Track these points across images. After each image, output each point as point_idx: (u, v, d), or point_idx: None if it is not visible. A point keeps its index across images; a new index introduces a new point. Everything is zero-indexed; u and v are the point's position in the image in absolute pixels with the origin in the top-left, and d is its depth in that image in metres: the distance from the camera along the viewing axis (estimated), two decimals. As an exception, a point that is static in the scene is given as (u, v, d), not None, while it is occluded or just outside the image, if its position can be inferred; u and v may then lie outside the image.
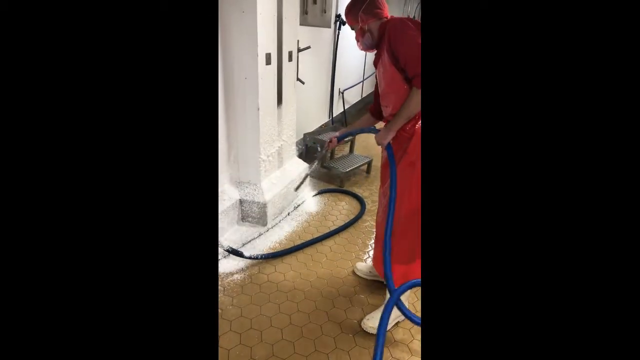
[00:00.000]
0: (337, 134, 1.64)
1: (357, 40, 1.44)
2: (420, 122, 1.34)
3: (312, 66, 3.20)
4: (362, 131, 1.59)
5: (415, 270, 1.43)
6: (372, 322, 1.47)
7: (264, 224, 2.19)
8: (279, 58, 2.13)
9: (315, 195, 2.64)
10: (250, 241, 2.05)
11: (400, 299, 1.25)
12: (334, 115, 3.88)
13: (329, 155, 3.11)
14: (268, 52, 1.97)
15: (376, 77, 1.47)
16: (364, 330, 1.46)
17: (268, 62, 1.99)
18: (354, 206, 2.53)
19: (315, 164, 1.83)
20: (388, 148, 1.40)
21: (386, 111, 1.46)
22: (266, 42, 1.93)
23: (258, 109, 1.99)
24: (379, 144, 1.43)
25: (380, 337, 1.09)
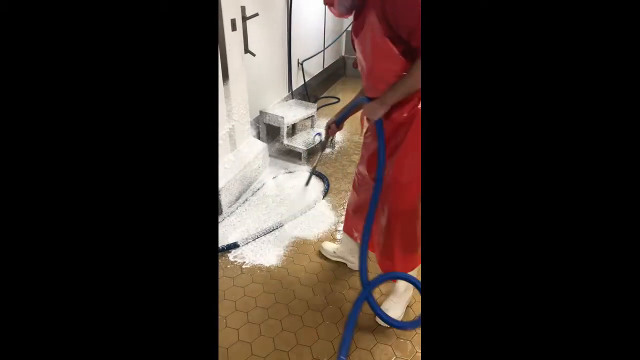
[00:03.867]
0: (333, 118, 1.40)
1: (329, 4, 1.10)
2: (420, 104, 1.10)
3: (265, 36, 2.93)
4: (355, 105, 1.31)
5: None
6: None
7: (219, 212, 2.04)
8: (218, 28, 1.89)
9: (275, 177, 2.49)
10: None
11: (372, 295, 1.16)
12: (294, 89, 3.67)
13: (289, 132, 2.94)
14: (204, 21, 1.74)
15: (354, 50, 1.20)
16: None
17: (205, 32, 1.76)
18: (317, 185, 2.41)
19: (319, 154, 1.75)
20: (378, 124, 1.15)
21: (373, 92, 1.17)
22: (200, 9, 1.69)
23: (198, 88, 1.78)
24: (368, 119, 1.18)
25: (351, 322, 1.02)
